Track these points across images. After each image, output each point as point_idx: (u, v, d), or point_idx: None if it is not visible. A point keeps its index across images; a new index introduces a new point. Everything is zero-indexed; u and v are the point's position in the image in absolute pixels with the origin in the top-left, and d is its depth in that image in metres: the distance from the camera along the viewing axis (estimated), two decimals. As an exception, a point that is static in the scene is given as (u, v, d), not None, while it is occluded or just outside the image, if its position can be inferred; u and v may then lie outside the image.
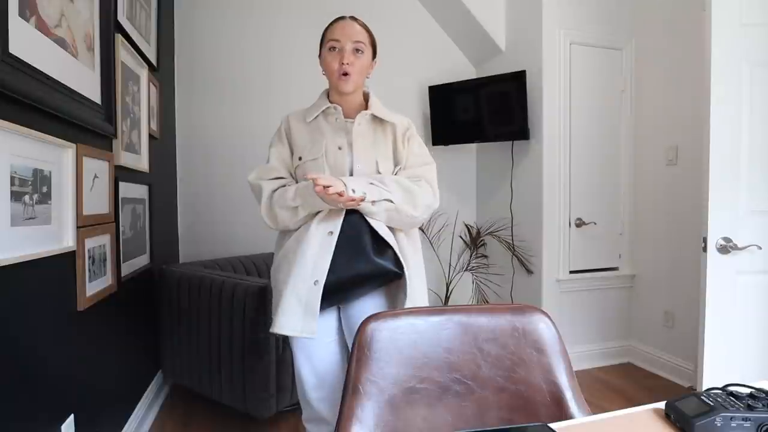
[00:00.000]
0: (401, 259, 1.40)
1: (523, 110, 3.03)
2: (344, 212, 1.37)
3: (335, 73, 1.42)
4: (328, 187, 1.22)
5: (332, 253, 1.33)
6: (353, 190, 1.28)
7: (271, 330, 1.37)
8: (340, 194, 1.25)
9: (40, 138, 1.25)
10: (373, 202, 1.33)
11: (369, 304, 1.42)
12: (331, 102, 1.49)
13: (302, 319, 1.34)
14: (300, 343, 1.44)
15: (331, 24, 1.47)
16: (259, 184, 1.46)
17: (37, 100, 1.20)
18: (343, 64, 1.40)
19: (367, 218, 1.37)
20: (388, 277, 1.40)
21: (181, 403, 2.54)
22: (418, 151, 1.52)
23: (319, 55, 1.49)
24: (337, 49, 1.42)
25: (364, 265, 1.34)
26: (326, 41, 1.45)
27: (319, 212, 1.38)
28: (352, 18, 1.47)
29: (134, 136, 2.16)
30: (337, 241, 1.34)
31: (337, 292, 1.36)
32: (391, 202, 1.36)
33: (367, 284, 1.39)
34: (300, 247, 1.36)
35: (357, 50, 1.42)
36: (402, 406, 0.93)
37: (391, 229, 1.42)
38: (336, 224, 1.35)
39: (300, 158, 1.46)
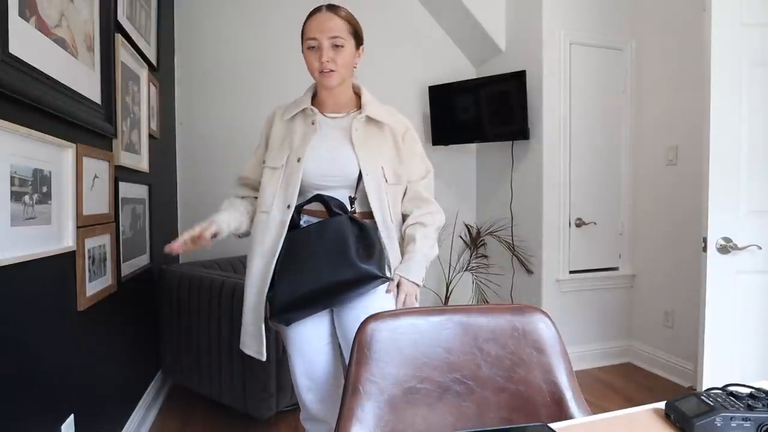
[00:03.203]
0: (388, 262, 1.40)
1: (523, 110, 3.03)
2: (284, 234, 1.37)
3: (315, 72, 1.38)
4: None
5: (272, 274, 1.36)
6: (417, 284, 1.42)
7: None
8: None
9: (40, 138, 1.25)
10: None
11: (361, 309, 1.36)
12: (315, 99, 1.47)
13: (256, 339, 1.42)
14: (294, 345, 1.43)
15: (308, 18, 1.39)
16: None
17: (37, 100, 1.20)
18: (322, 62, 1.34)
19: (359, 222, 1.36)
20: (376, 282, 1.36)
21: (181, 403, 2.54)
22: (420, 151, 1.52)
23: (302, 50, 1.43)
24: (315, 48, 1.36)
25: (348, 270, 1.30)
26: (304, 39, 1.38)
27: (264, 235, 1.41)
28: (329, 8, 1.38)
29: (134, 136, 2.16)
30: (322, 247, 1.32)
31: (323, 298, 1.34)
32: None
33: (354, 289, 1.35)
34: (250, 271, 1.43)
35: (336, 45, 1.35)
36: (402, 406, 0.93)
37: (376, 232, 1.40)
38: (276, 249, 1.37)
39: (264, 161, 1.46)
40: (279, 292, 1.33)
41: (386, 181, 1.42)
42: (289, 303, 1.33)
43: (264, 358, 1.43)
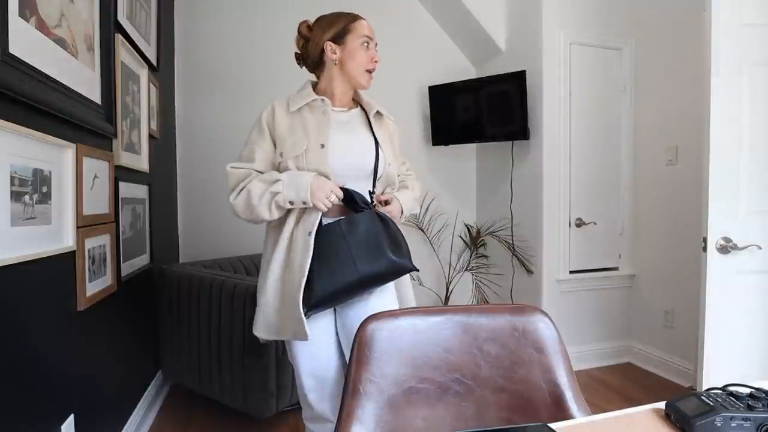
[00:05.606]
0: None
1: (523, 110, 3.03)
2: (319, 214, 1.35)
3: (363, 67, 1.44)
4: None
5: (311, 254, 1.32)
6: (402, 212, 1.52)
7: (262, 335, 1.44)
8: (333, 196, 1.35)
9: (40, 138, 1.25)
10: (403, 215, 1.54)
11: (364, 306, 1.41)
12: (319, 94, 1.47)
13: (295, 324, 1.34)
14: (298, 345, 1.43)
15: (358, 19, 1.47)
16: (244, 171, 1.40)
17: (37, 100, 1.20)
18: (375, 61, 1.46)
19: (383, 217, 1.41)
20: (407, 273, 1.45)
21: (181, 403, 2.54)
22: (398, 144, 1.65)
23: (336, 42, 1.44)
24: (369, 46, 1.45)
25: (383, 262, 1.35)
26: (357, 34, 1.44)
27: (295, 217, 1.38)
28: None
29: (134, 136, 2.16)
30: (355, 241, 1.34)
31: (355, 290, 1.36)
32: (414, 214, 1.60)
33: (388, 280, 1.43)
34: (287, 251, 1.38)
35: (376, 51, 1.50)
36: (402, 406, 0.93)
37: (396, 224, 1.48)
38: (314, 225, 1.35)
39: (281, 154, 1.41)
40: (318, 287, 1.32)
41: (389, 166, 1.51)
42: (327, 296, 1.34)
43: (308, 338, 1.35)
